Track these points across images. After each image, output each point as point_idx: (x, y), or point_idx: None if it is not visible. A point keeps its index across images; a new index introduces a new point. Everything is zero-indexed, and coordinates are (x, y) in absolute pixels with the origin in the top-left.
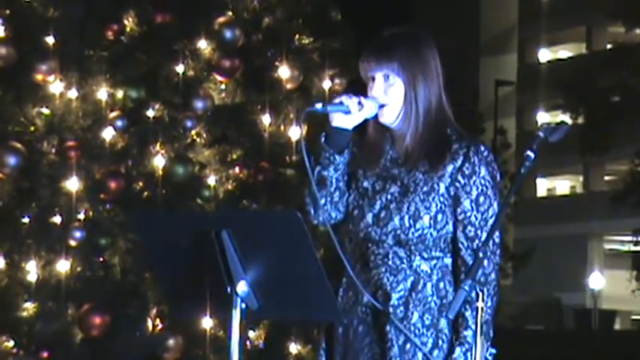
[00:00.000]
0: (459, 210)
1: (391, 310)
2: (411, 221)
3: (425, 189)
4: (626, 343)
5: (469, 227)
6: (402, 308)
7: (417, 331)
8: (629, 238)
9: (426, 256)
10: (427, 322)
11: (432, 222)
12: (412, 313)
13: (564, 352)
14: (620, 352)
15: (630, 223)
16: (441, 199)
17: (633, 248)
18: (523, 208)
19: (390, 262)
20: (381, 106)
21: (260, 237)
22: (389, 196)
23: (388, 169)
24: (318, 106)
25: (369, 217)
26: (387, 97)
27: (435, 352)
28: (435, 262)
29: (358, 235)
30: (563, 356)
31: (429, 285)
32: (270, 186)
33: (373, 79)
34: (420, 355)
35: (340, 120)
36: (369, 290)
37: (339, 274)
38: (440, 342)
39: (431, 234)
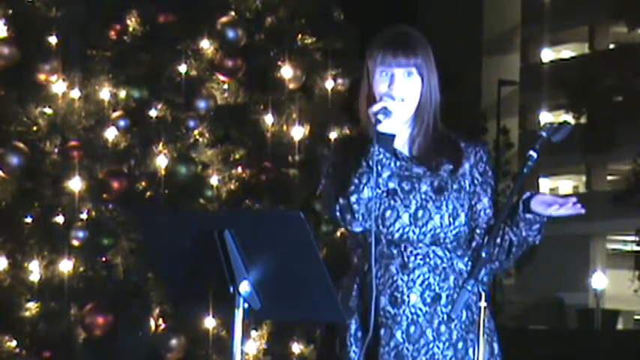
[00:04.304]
0: (479, 207)
1: (444, 309)
2: (451, 219)
3: (455, 187)
4: (629, 342)
5: (490, 223)
6: (450, 307)
7: (466, 328)
8: (632, 238)
9: (459, 253)
10: (470, 319)
11: (466, 219)
12: (461, 311)
13: (567, 352)
14: (623, 352)
15: (633, 223)
16: (469, 196)
17: (636, 248)
18: None
19: (431, 262)
20: (402, 102)
21: (263, 237)
22: (422, 195)
23: (407, 168)
24: (381, 117)
25: (406, 217)
26: (408, 94)
27: (478, 347)
28: (466, 259)
29: (392, 236)
30: (565, 356)
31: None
32: (272, 186)
33: (390, 74)
34: (470, 352)
35: (386, 125)
36: (416, 290)
37: (338, 275)
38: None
39: (465, 231)
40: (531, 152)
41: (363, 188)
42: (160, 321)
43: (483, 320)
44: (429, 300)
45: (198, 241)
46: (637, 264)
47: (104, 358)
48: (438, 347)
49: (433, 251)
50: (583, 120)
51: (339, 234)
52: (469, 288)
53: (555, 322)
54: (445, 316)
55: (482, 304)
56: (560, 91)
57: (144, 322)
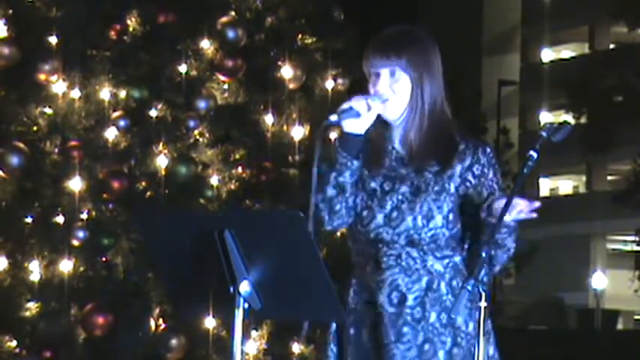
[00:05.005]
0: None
1: (408, 310)
2: (425, 221)
3: (436, 188)
4: (629, 342)
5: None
6: (418, 309)
7: (435, 330)
8: (632, 238)
9: (438, 255)
10: (444, 321)
11: (444, 221)
12: (429, 313)
13: (567, 352)
14: (623, 352)
15: (633, 223)
16: (452, 198)
17: (636, 248)
18: None
19: (403, 263)
20: (384, 102)
21: (263, 237)
22: (400, 196)
23: (395, 168)
24: (333, 118)
25: (380, 218)
26: (392, 93)
27: (455, 350)
28: (447, 261)
29: (368, 236)
30: (565, 356)
31: (442, 284)
32: (272, 186)
33: (377, 74)
34: (441, 354)
35: (352, 125)
36: (384, 291)
37: (338, 275)
38: (459, 339)
39: (443, 233)
40: (531, 152)
41: (326, 188)
42: (160, 321)
43: (484, 320)
44: (395, 301)
45: (198, 241)
46: (637, 264)
47: (104, 358)
48: (398, 348)
49: (407, 252)
50: (583, 120)
51: (339, 234)
52: (469, 288)
53: (555, 322)
54: (410, 318)
55: (483, 304)
56: (560, 91)
57: (144, 322)
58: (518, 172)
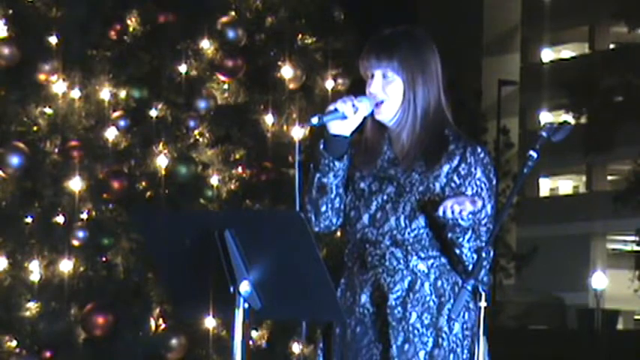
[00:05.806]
0: None
1: (389, 310)
2: (407, 221)
3: (420, 189)
4: (629, 342)
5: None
6: (399, 309)
7: (415, 331)
8: (632, 238)
9: (422, 255)
10: (426, 322)
11: (427, 222)
12: (410, 314)
13: (567, 352)
14: (623, 352)
15: (633, 223)
16: (437, 198)
17: (636, 248)
18: (526, 207)
19: (386, 263)
20: (378, 104)
21: (263, 237)
22: (385, 197)
23: (385, 169)
24: (314, 120)
25: (366, 218)
26: (385, 95)
27: (436, 351)
28: (432, 261)
29: (355, 236)
30: (565, 356)
31: (426, 284)
32: (273, 186)
33: (372, 76)
34: (421, 355)
35: (338, 127)
36: (366, 291)
37: (338, 275)
38: (440, 340)
39: (427, 234)
40: (531, 152)
41: (311, 189)
42: (160, 321)
43: (484, 320)
44: (378, 301)
45: (199, 241)
46: (637, 264)
47: (104, 358)
48: (377, 348)
49: (392, 252)
50: (583, 120)
51: (339, 234)
52: (469, 288)
53: (555, 322)
54: (390, 318)
55: (482, 304)
56: (560, 91)
57: (144, 322)
58: (518, 172)
